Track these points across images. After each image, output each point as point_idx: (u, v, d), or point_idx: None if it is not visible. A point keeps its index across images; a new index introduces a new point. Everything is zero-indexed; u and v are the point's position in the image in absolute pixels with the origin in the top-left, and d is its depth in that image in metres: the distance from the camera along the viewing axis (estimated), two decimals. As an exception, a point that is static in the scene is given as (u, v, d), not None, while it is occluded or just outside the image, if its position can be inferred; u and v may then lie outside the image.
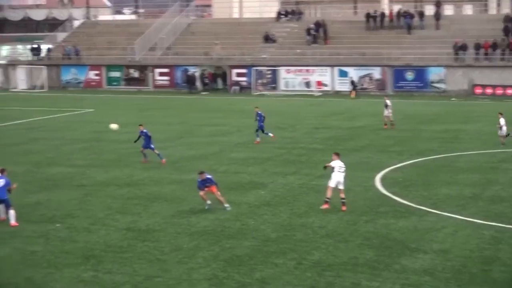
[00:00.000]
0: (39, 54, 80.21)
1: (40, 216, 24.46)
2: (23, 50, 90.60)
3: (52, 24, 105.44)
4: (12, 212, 23.27)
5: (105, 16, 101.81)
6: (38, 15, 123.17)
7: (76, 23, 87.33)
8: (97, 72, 75.81)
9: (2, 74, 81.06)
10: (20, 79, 78.02)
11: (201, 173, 24.73)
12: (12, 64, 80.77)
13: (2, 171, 24.01)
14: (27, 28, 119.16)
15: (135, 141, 34.72)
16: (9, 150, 38.23)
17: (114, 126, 25.44)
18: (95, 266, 19.32)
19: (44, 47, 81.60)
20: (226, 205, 24.80)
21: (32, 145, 39.50)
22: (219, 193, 24.76)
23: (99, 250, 20.60)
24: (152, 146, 33.61)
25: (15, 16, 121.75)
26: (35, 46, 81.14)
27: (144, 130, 33.75)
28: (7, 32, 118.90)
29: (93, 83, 75.60)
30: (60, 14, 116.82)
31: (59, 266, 19.32)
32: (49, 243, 21.39)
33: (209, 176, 24.71)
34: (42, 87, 75.91)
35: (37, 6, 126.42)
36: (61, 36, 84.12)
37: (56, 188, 28.70)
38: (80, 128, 46.47)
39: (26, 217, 24.21)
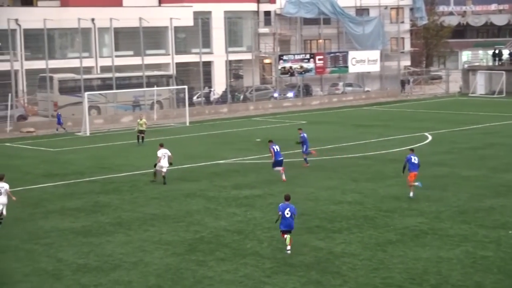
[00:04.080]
0: (500, 60, 79.65)
1: (493, 221, 24.34)
2: (483, 55, 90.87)
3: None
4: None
5: None
6: (500, 20, 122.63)
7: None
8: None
9: (462, 79, 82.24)
10: (479, 84, 78.32)
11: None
12: (472, 69, 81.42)
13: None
14: (488, 33, 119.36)
15: None
16: (465, 153, 38.69)
17: None
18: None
19: (505, 52, 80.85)
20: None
21: (488, 150, 39.43)
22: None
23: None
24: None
25: (477, 21, 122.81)
26: (496, 51, 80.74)
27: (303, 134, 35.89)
28: (467, 38, 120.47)
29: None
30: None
31: (510, 273, 19.03)
32: (500, 249, 21.19)
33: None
34: (501, 92, 75.29)
35: (500, 12, 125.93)
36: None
37: (511, 194, 28.27)
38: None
39: (479, 221, 24.32)
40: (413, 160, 28.22)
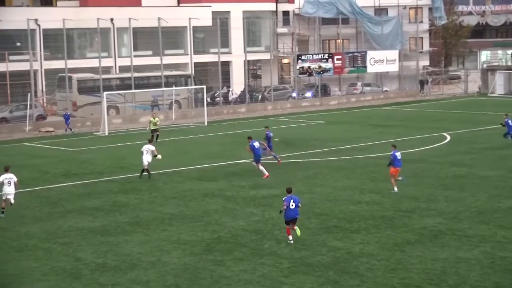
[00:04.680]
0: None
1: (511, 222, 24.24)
2: (502, 55, 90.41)
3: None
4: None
5: None
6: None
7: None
8: None
9: (481, 79, 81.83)
10: (498, 84, 77.92)
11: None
12: (491, 69, 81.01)
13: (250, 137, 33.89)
14: (507, 33, 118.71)
15: None
16: (484, 154, 38.48)
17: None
18: None
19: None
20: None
21: (507, 151, 39.14)
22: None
23: None
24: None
25: (496, 21, 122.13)
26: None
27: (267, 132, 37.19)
28: (487, 37, 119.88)
29: None
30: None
31: None
32: None
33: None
34: (520, 92, 75.01)
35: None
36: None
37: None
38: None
39: (498, 222, 24.17)
40: (398, 157, 29.18)
